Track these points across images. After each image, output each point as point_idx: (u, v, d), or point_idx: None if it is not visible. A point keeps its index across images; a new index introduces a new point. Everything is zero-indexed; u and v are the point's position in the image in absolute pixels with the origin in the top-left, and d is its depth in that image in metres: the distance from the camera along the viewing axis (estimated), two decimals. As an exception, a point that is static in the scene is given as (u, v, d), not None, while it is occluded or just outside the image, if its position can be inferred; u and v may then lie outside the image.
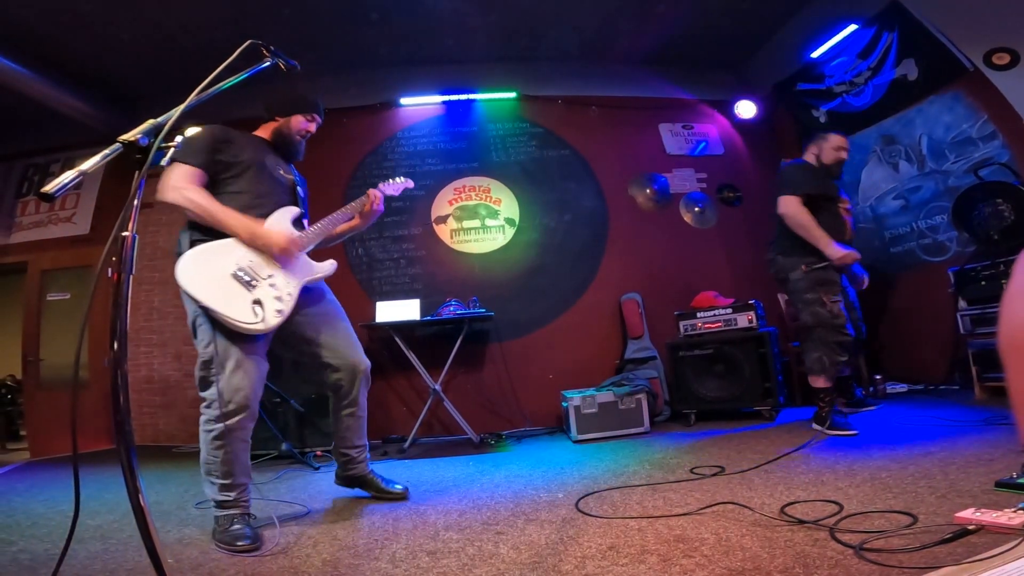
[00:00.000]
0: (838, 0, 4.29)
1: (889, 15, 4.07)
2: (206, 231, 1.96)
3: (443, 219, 4.74)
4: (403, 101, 4.91)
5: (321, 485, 2.58)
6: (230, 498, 1.88)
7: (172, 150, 1.94)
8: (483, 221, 4.74)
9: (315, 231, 2.18)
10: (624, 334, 4.47)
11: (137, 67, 4.48)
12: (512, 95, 4.97)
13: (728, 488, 1.97)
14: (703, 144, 5.19)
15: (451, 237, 4.72)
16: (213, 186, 2.01)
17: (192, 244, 1.94)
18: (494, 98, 4.98)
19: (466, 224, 4.74)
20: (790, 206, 2.90)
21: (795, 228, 2.89)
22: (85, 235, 4.88)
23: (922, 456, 2.11)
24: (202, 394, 1.92)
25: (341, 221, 2.30)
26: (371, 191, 2.33)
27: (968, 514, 1.30)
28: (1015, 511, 1.26)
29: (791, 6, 4.46)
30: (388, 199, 2.44)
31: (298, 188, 2.27)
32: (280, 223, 2.09)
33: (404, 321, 3.91)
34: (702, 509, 1.72)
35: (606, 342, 4.52)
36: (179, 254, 1.96)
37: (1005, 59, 3.46)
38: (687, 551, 1.37)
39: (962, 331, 3.40)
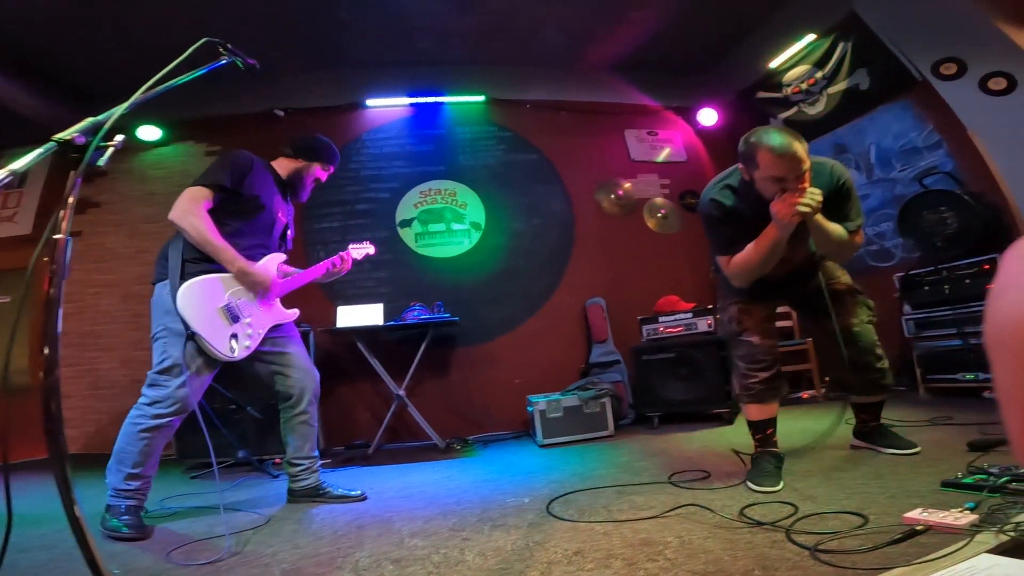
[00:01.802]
0: (801, 10, 4.39)
1: (845, 25, 4.17)
2: (199, 253, 2.13)
3: (408, 223, 4.68)
4: (369, 103, 4.84)
5: (282, 492, 2.50)
6: (131, 487, 1.99)
7: (204, 174, 2.13)
8: (449, 225, 4.71)
9: (291, 283, 2.43)
10: (589, 338, 4.52)
11: (97, 65, 4.27)
12: (481, 98, 4.97)
13: (691, 491, 2.00)
14: (667, 150, 5.29)
15: (416, 241, 4.66)
16: (219, 208, 2.17)
17: (183, 263, 2.12)
18: (463, 101, 4.96)
19: (431, 228, 4.69)
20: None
21: None
22: (27, 235, 4.62)
23: (872, 456, 2.19)
24: (148, 392, 2.07)
25: (314, 277, 2.50)
26: (345, 256, 2.57)
27: (916, 515, 1.34)
28: (961, 511, 1.31)
29: (759, 15, 4.56)
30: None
31: (288, 231, 2.50)
32: (268, 268, 2.31)
33: (367, 326, 3.83)
34: (666, 512, 1.74)
35: (571, 346, 4.55)
36: (163, 267, 2.14)
37: (952, 69, 3.56)
38: (652, 555, 1.39)
39: (907, 335, 3.55)
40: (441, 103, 4.93)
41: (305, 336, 3.75)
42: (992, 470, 1.64)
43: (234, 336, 2.17)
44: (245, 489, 2.78)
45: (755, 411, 2.16)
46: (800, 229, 1.94)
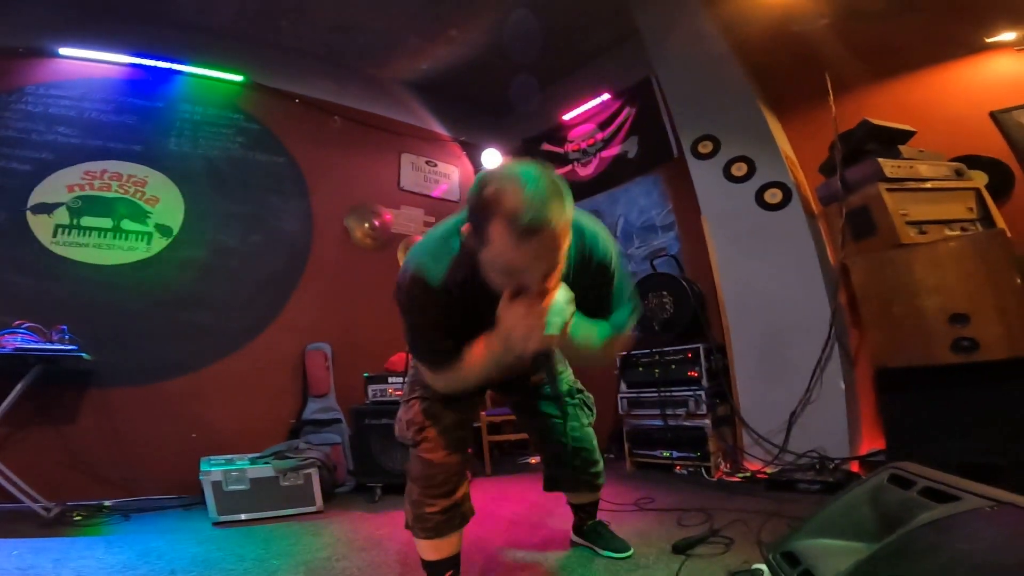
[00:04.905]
0: (607, 67, 4.39)
1: (637, 90, 4.16)
2: None
3: (48, 208, 3.32)
4: (64, 51, 3.51)
5: None
6: None
7: None
8: (119, 221, 3.49)
9: None
10: (306, 390, 3.75)
11: None
12: (238, 78, 4.01)
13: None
14: (441, 185, 4.96)
15: (54, 234, 3.32)
16: None
17: None
18: (210, 76, 3.94)
19: (88, 221, 3.41)
20: None
21: None
22: None
23: (589, 561, 1.99)
24: None
25: None
26: None
27: None
28: None
29: (567, 66, 4.53)
30: None
31: None
32: None
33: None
34: None
35: (280, 398, 3.74)
36: None
37: (708, 148, 3.44)
38: None
39: (620, 411, 3.67)
40: (178, 72, 3.83)
41: None
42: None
43: None
44: None
45: (430, 549, 1.57)
46: None
